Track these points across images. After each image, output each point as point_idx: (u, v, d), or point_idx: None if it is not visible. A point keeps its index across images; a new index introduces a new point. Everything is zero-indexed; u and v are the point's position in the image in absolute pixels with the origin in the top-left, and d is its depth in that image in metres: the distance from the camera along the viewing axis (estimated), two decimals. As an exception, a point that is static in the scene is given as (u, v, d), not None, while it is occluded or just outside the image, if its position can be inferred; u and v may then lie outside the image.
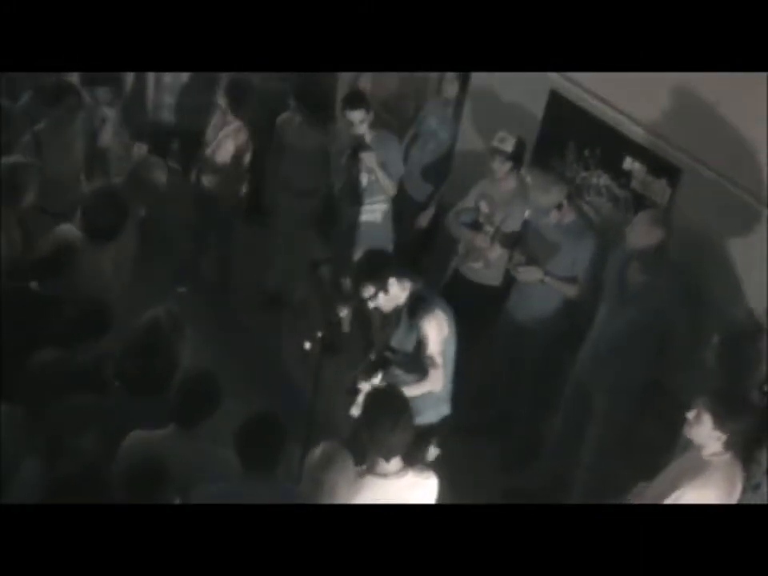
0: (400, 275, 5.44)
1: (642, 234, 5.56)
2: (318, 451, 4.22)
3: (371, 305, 5.50)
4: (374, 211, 7.19)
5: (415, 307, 5.43)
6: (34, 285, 5.24)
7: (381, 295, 5.42)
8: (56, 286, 5.23)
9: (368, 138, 6.94)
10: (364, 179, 7.04)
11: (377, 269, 5.47)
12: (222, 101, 7.50)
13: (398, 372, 5.59)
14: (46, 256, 5.36)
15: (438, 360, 5.33)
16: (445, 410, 5.72)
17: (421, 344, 5.38)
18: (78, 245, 5.44)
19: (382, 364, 5.65)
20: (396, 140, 7.36)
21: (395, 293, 5.43)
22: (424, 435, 5.58)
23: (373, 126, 7.01)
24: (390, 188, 7.09)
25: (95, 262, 5.57)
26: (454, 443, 5.88)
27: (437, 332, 5.38)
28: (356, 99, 7.02)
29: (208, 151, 7.61)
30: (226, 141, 7.54)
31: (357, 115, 6.86)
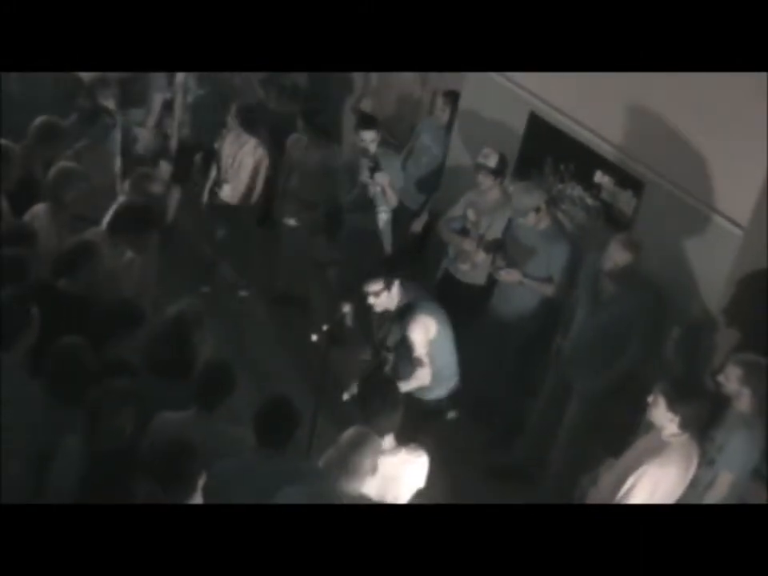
0: (403, 282, 5.53)
1: (612, 257, 5.57)
2: (350, 432, 4.17)
3: (371, 299, 5.53)
4: (379, 219, 7.23)
5: (403, 314, 5.51)
6: (62, 282, 5.17)
7: (384, 294, 5.50)
8: (80, 283, 5.17)
9: (377, 155, 7.00)
10: (371, 192, 7.09)
11: (391, 270, 5.58)
12: (233, 122, 7.54)
13: (395, 369, 5.65)
14: (64, 252, 5.29)
15: (425, 360, 5.43)
16: (452, 384, 5.79)
17: (409, 347, 5.47)
18: (97, 244, 5.37)
19: (382, 361, 5.72)
20: (398, 158, 7.42)
21: (394, 294, 5.51)
22: (436, 407, 5.75)
23: (379, 144, 7.07)
24: (393, 200, 7.14)
25: (123, 264, 5.59)
26: (444, 424, 5.93)
27: (422, 335, 5.46)
28: (368, 121, 7.13)
29: (231, 169, 7.62)
30: (246, 158, 7.58)
31: (369, 135, 6.95)
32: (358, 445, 4.03)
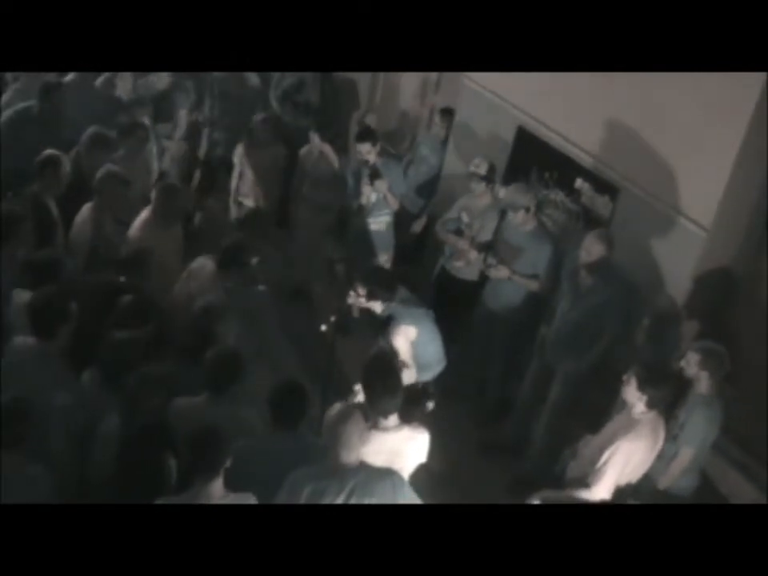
0: (386, 300, 5.53)
1: (587, 249, 5.60)
2: (335, 409, 4.11)
3: (352, 293, 5.57)
4: (380, 222, 7.24)
5: (385, 328, 5.54)
6: (122, 277, 5.26)
7: (363, 299, 5.54)
8: (137, 278, 5.26)
9: (378, 164, 7.01)
10: (374, 197, 7.12)
11: (381, 284, 5.58)
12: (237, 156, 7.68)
13: None
14: (130, 255, 5.41)
15: (408, 362, 5.40)
16: (439, 368, 5.80)
17: (395, 352, 5.46)
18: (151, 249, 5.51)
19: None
20: (400, 166, 7.44)
21: (374, 306, 5.56)
22: (423, 389, 5.57)
23: (380, 154, 7.10)
24: (394, 204, 7.16)
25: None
26: (441, 404, 5.94)
27: (403, 341, 5.47)
28: (365, 134, 7.11)
29: (249, 183, 7.73)
30: (261, 172, 7.69)
31: (365, 147, 6.95)
32: (343, 420, 3.98)
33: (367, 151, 6.97)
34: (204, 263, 5.68)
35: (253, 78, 8.43)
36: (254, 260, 5.68)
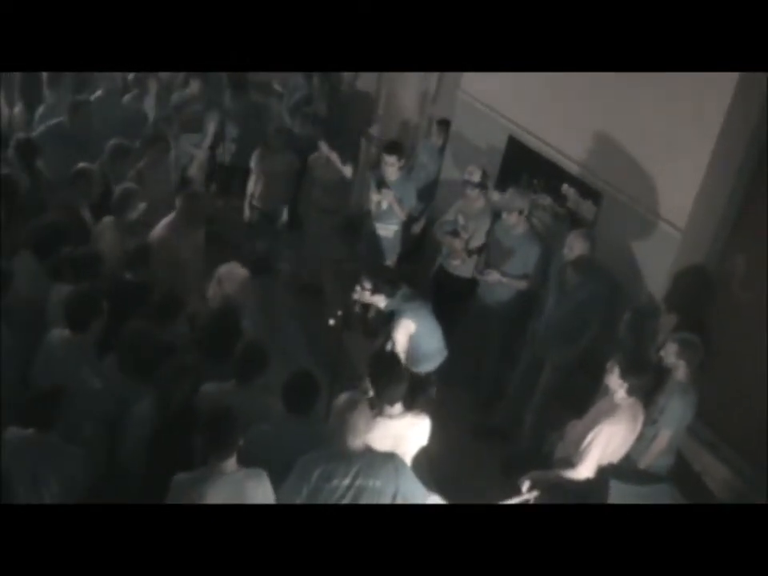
0: (389, 295, 5.61)
1: (570, 246, 5.63)
2: (343, 398, 4.10)
3: (358, 288, 5.65)
4: (389, 230, 7.24)
5: (390, 318, 5.62)
6: (128, 274, 5.30)
7: (367, 293, 5.62)
8: (144, 275, 5.28)
9: (393, 178, 7.00)
10: (384, 205, 7.14)
11: (387, 280, 5.64)
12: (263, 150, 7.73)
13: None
14: (135, 250, 5.45)
15: (402, 355, 5.41)
16: (440, 359, 5.85)
17: (394, 343, 5.57)
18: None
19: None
20: (412, 182, 7.39)
21: (378, 300, 5.65)
22: (425, 379, 5.76)
23: (401, 168, 7.06)
24: (401, 214, 7.16)
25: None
26: (440, 392, 5.92)
27: (402, 334, 5.55)
28: (394, 147, 7.07)
29: (263, 185, 7.79)
30: (275, 175, 7.72)
31: (391, 159, 6.94)
32: (350, 408, 3.99)
33: (392, 163, 6.95)
34: (233, 268, 5.76)
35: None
36: (283, 267, 5.74)
